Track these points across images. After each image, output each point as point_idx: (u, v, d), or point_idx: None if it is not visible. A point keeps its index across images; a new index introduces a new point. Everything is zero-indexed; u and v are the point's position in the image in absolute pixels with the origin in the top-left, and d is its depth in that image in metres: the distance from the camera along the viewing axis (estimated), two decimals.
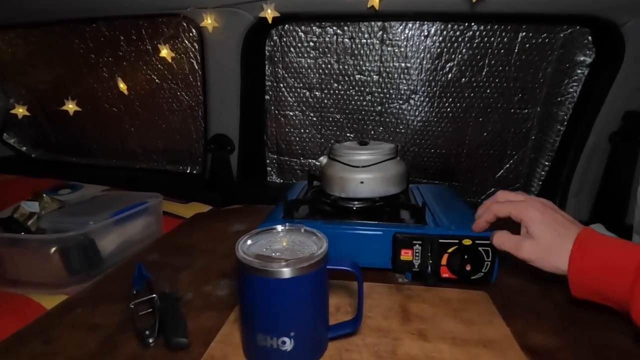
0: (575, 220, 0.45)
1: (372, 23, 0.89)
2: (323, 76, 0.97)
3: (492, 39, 0.86)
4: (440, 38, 0.88)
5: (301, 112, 1.03)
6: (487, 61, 0.88)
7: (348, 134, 1.03)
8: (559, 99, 0.89)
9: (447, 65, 0.90)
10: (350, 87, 0.97)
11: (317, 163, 1.06)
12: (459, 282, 0.54)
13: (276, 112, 1.04)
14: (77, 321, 0.48)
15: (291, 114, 1.03)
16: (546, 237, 0.43)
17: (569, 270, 0.41)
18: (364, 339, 0.43)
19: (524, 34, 0.84)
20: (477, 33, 0.86)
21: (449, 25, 0.86)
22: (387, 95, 0.96)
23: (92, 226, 0.62)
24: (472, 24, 0.85)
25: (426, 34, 0.88)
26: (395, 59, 0.92)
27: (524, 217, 0.45)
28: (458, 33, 0.86)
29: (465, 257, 0.52)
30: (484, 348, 0.42)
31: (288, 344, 0.37)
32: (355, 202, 0.64)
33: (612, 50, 0.77)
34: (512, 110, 0.92)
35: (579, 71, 0.86)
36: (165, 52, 0.87)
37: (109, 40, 1.02)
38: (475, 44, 0.87)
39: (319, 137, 1.05)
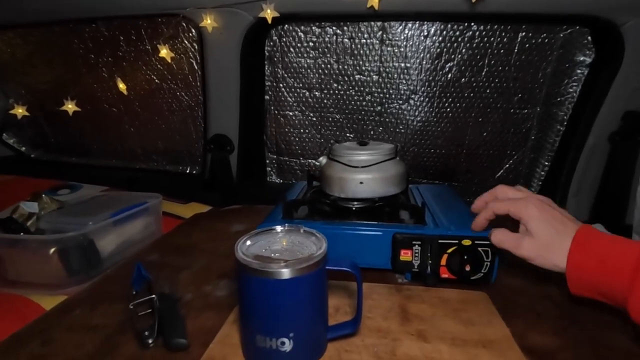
0: (574, 218, 0.45)
1: (372, 23, 0.89)
2: (323, 76, 0.97)
3: (492, 39, 0.86)
4: (440, 38, 0.88)
5: (301, 112, 1.03)
6: (486, 61, 0.88)
7: (348, 134, 1.03)
8: (558, 99, 0.89)
9: (447, 65, 0.90)
10: (350, 87, 0.97)
11: (316, 163, 1.06)
12: (459, 283, 0.54)
13: (276, 112, 1.04)
14: (76, 322, 0.48)
15: (291, 114, 1.03)
16: (545, 234, 0.43)
17: (567, 267, 0.41)
18: (364, 340, 0.43)
19: (523, 34, 0.84)
20: (477, 33, 0.86)
21: (449, 25, 0.86)
22: (387, 96, 0.96)
23: (91, 226, 0.62)
24: (472, 24, 0.85)
25: (426, 34, 0.88)
26: (395, 59, 0.92)
27: (523, 214, 0.45)
28: (458, 33, 0.86)
29: (465, 257, 0.52)
30: (484, 348, 0.42)
31: (287, 345, 0.37)
32: (355, 203, 0.64)
33: (611, 50, 0.77)
34: (512, 110, 0.92)
35: (578, 71, 0.86)
36: (164, 52, 0.87)
37: (109, 40, 1.02)
38: (475, 44, 0.87)
39: (318, 137, 1.05)
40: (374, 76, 0.95)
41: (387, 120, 0.99)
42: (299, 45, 0.95)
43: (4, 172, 1.12)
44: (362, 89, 0.97)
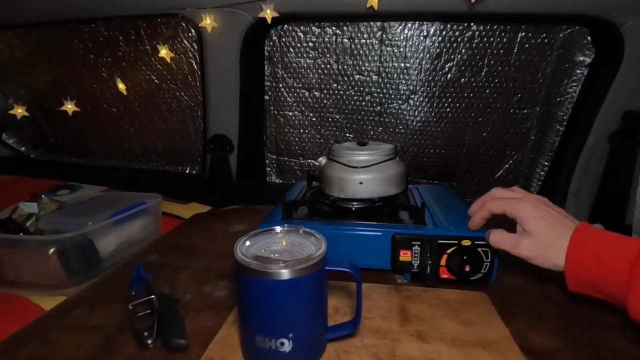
0: (571, 216, 0.45)
1: (372, 23, 0.89)
2: (322, 76, 0.97)
3: (492, 39, 0.86)
4: (440, 38, 0.88)
5: (300, 112, 1.03)
6: (486, 61, 0.88)
7: (347, 134, 1.03)
8: (558, 99, 0.89)
9: (447, 66, 0.90)
10: (350, 88, 0.97)
11: (316, 163, 1.06)
12: (458, 283, 0.54)
13: (275, 112, 1.04)
14: (76, 322, 0.48)
15: (290, 114, 1.03)
16: (543, 233, 0.43)
17: (565, 264, 0.41)
18: (363, 340, 0.43)
19: (523, 34, 0.84)
20: (477, 33, 0.86)
21: (448, 26, 0.86)
22: (387, 96, 0.96)
23: (90, 227, 0.62)
24: (472, 24, 0.85)
25: (425, 34, 0.88)
26: (394, 59, 0.92)
27: (519, 214, 0.45)
28: (457, 33, 0.86)
29: (465, 257, 0.52)
30: (483, 349, 0.42)
31: (287, 346, 0.37)
32: (355, 203, 0.64)
33: (611, 50, 0.77)
34: (512, 111, 0.92)
35: (578, 71, 0.86)
36: (164, 52, 0.87)
37: (108, 40, 1.02)
38: (474, 44, 0.87)
39: (318, 137, 1.05)
40: (374, 76, 0.95)
41: (386, 120, 0.99)
42: (298, 45, 0.95)
43: (4, 172, 1.12)
44: (361, 89, 0.97)
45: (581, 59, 0.84)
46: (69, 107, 0.93)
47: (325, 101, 1.00)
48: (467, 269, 0.52)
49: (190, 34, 0.97)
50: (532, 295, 0.53)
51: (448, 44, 0.88)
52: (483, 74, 0.89)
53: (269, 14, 0.77)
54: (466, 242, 0.52)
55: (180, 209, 0.90)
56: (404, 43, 0.90)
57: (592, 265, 0.40)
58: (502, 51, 0.86)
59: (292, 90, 1.00)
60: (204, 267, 0.62)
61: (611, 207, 0.86)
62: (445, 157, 1.00)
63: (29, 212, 0.71)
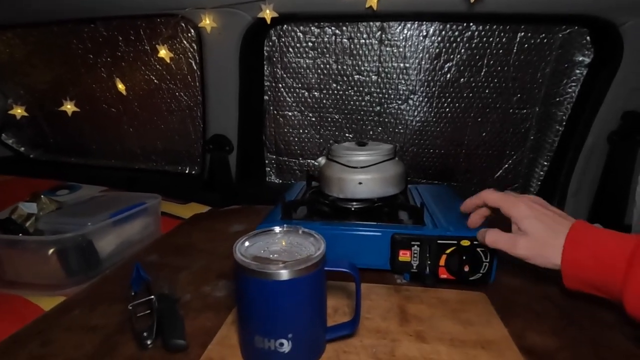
0: (567, 215, 0.45)
1: (371, 23, 0.89)
2: (322, 76, 0.97)
3: (491, 39, 0.86)
4: (439, 38, 0.88)
5: (300, 112, 1.03)
6: (485, 61, 0.88)
7: (347, 134, 1.03)
8: (557, 99, 0.89)
9: (446, 66, 0.90)
10: (349, 88, 0.97)
11: (315, 164, 1.06)
12: (457, 283, 0.54)
13: (275, 112, 1.04)
14: (75, 322, 0.48)
15: (290, 114, 1.03)
16: (539, 232, 0.43)
17: (562, 264, 0.41)
18: (362, 341, 0.43)
19: (522, 34, 0.84)
20: (476, 33, 0.86)
21: (448, 26, 0.86)
22: (386, 96, 0.96)
23: (90, 227, 0.62)
24: (471, 24, 0.85)
25: (425, 34, 0.88)
26: (394, 59, 0.92)
27: (513, 212, 0.45)
28: (457, 33, 0.86)
29: (464, 258, 0.52)
30: (482, 349, 0.42)
31: (286, 346, 0.37)
32: (354, 203, 0.64)
33: (610, 50, 0.77)
34: (511, 111, 0.92)
35: (577, 71, 0.86)
36: (163, 52, 0.87)
37: (107, 40, 1.02)
38: (474, 44, 0.87)
39: (317, 137, 1.05)
40: (373, 76, 0.95)
41: (386, 120, 0.99)
42: (298, 45, 0.95)
43: (3, 173, 1.12)
44: (361, 89, 0.97)
45: (580, 59, 0.84)
46: (69, 107, 0.93)
47: (324, 101, 1.00)
48: (466, 269, 0.52)
49: (189, 34, 0.97)
50: (530, 295, 0.53)
51: (447, 44, 0.88)
52: (482, 74, 0.89)
53: (268, 14, 0.77)
54: (465, 242, 0.52)
55: (180, 209, 0.90)
56: (403, 43, 0.90)
57: (588, 263, 0.40)
58: (501, 51, 0.86)
59: (292, 90, 1.00)
60: (204, 267, 0.62)
61: (610, 207, 0.86)
62: (444, 157, 1.00)
63: (29, 212, 0.71)
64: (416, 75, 0.92)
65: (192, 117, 1.09)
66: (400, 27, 0.88)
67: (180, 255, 0.67)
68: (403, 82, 0.94)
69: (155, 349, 0.42)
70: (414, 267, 0.54)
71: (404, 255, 0.54)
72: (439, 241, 0.53)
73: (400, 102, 0.96)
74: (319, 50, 0.94)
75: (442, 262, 0.53)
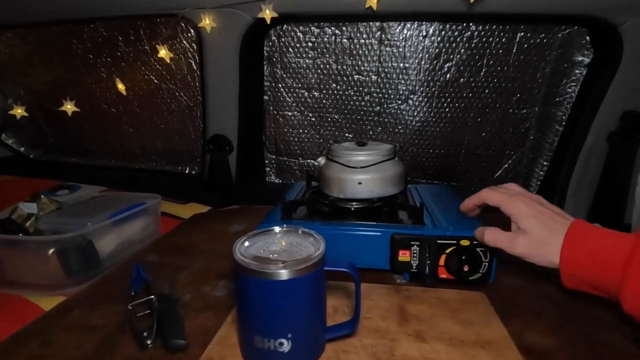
0: (566, 214, 0.45)
1: (371, 23, 0.89)
2: (321, 76, 0.97)
3: (491, 39, 0.86)
4: (439, 38, 0.88)
5: (300, 112, 1.03)
6: (485, 61, 0.88)
7: (347, 134, 1.03)
8: (557, 99, 0.90)
9: (446, 66, 0.90)
10: (349, 88, 0.97)
11: (315, 164, 1.06)
12: (457, 283, 0.54)
13: (275, 112, 1.04)
14: (75, 322, 0.48)
15: (290, 114, 1.03)
16: (537, 231, 0.43)
17: (560, 263, 0.41)
18: (362, 340, 0.43)
19: (522, 34, 0.84)
20: (476, 33, 0.86)
21: (447, 26, 0.86)
22: (386, 96, 0.97)
23: (90, 227, 0.62)
24: (471, 24, 0.85)
25: (424, 34, 0.88)
26: (393, 59, 0.92)
27: (512, 211, 0.45)
28: (456, 33, 0.86)
29: (463, 257, 0.52)
30: (482, 349, 0.42)
31: (286, 346, 0.37)
32: (354, 203, 0.64)
33: (610, 50, 0.77)
34: (511, 111, 0.92)
35: (577, 71, 0.86)
36: (163, 52, 0.87)
37: (107, 40, 1.02)
38: (473, 44, 0.87)
39: (317, 137, 1.05)
40: (373, 76, 0.95)
41: (386, 120, 0.99)
42: (297, 45, 0.95)
43: (3, 173, 1.12)
44: (360, 89, 0.97)
45: (580, 59, 0.84)
46: (69, 107, 0.93)
47: (324, 101, 1.00)
48: (466, 268, 0.53)
49: (189, 34, 0.97)
50: (529, 295, 0.54)
51: (447, 44, 0.88)
52: (482, 74, 0.89)
53: (268, 14, 0.77)
54: (465, 242, 0.52)
55: (180, 209, 0.90)
56: (403, 43, 0.90)
57: (586, 262, 0.40)
58: (501, 51, 0.86)
59: (292, 90, 1.01)
60: (204, 267, 0.62)
61: (610, 206, 0.86)
62: (444, 157, 1.00)
63: (29, 212, 0.71)
64: (416, 75, 0.92)
65: (192, 117, 1.09)
66: (400, 27, 0.88)
67: (180, 255, 0.67)
68: (403, 82, 0.94)
69: (155, 349, 0.43)
70: (414, 267, 0.55)
71: (403, 255, 0.54)
72: (438, 241, 0.53)
73: (400, 102, 0.96)
74: (319, 50, 0.94)
75: (441, 262, 0.53)
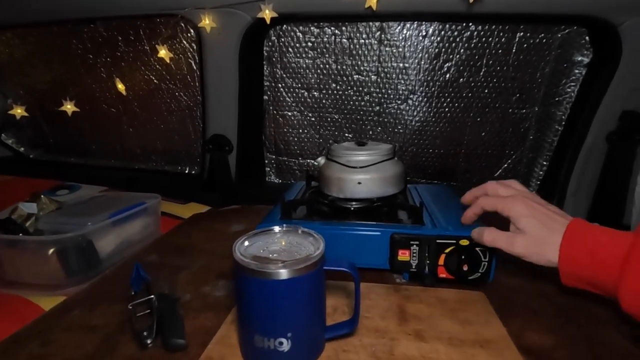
0: (564, 213, 0.45)
1: (370, 23, 0.89)
2: (321, 76, 0.97)
3: (490, 39, 0.86)
4: (438, 38, 0.88)
5: (299, 112, 1.03)
6: (485, 61, 0.88)
7: (346, 134, 1.03)
8: (556, 99, 0.90)
9: (445, 66, 0.90)
10: (349, 88, 0.97)
11: (315, 163, 1.06)
12: (456, 283, 0.54)
13: (274, 112, 1.04)
14: (75, 322, 0.48)
15: (289, 114, 1.03)
16: (535, 230, 0.43)
17: (559, 260, 0.42)
18: (361, 340, 0.43)
19: (521, 34, 0.84)
20: (475, 33, 0.86)
21: (447, 26, 0.86)
22: (385, 96, 0.97)
23: (90, 227, 0.62)
24: (470, 24, 0.85)
25: (424, 34, 0.88)
26: (393, 59, 0.92)
27: (511, 212, 0.45)
28: (456, 33, 0.87)
29: (463, 257, 0.52)
30: (481, 348, 0.42)
31: (285, 345, 0.37)
32: (353, 203, 0.64)
33: (609, 50, 0.77)
34: (510, 110, 0.92)
35: (576, 71, 0.86)
36: (163, 52, 0.87)
37: (107, 40, 1.02)
38: (473, 44, 0.87)
39: (317, 137, 1.05)
40: (373, 76, 0.95)
41: (385, 120, 0.99)
42: (297, 45, 0.95)
43: (3, 173, 1.12)
44: (360, 89, 0.97)
45: (579, 59, 0.85)
46: (69, 107, 0.93)
47: (324, 101, 1.00)
48: (465, 268, 0.53)
49: (189, 34, 0.97)
50: (529, 294, 0.54)
51: (447, 44, 0.88)
52: (482, 73, 0.89)
53: (267, 14, 0.77)
54: (464, 242, 0.52)
55: (180, 209, 0.90)
56: (402, 43, 0.90)
57: (585, 261, 0.40)
58: (500, 51, 0.86)
59: (291, 90, 1.01)
60: (203, 267, 0.62)
61: (609, 206, 0.86)
62: (444, 157, 1.00)
63: (29, 212, 0.71)
64: (415, 75, 0.92)
65: (191, 117, 1.09)
66: (399, 27, 0.89)
67: (180, 255, 0.67)
68: (402, 82, 0.94)
69: (155, 349, 0.43)
70: (413, 267, 0.55)
71: (403, 255, 0.54)
72: (438, 241, 0.53)
73: (399, 102, 0.96)
74: (319, 50, 0.95)
75: (441, 261, 0.54)
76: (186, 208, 0.92)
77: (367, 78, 0.95)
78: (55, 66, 1.12)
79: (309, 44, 0.94)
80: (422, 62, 0.91)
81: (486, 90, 0.91)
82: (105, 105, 1.14)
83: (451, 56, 0.89)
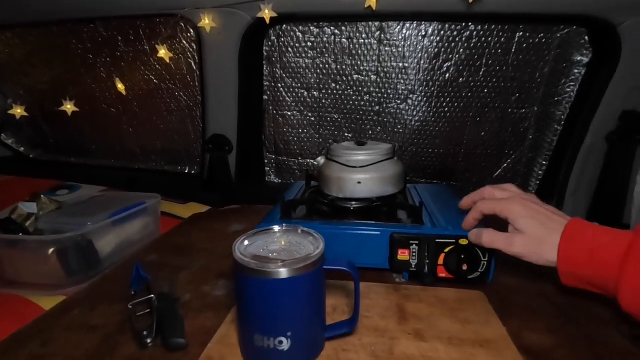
0: (562, 213, 0.45)
1: (370, 23, 0.89)
2: (321, 76, 0.97)
3: (490, 38, 0.86)
4: (438, 38, 0.88)
5: (299, 112, 1.03)
6: (484, 61, 0.88)
7: (346, 134, 1.04)
8: (556, 99, 0.90)
9: (445, 65, 0.90)
10: (348, 87, 0.97)
11: (314, 163, 1.06)
12: (456, 282, 0.54)
13: (274, 112, 1.04)
14: (75, 322, 0.48)
15: (289, 114, 1.04)
16: (534, 230, 0.43)
17: (558, 261, 0.42)
18: (361, 339, 0.43)
19: (521, 33, 0.84)
20: (475, 33, 0.86)
21: (447, 25, 0.86)
22: (385, 95, 0.97)
23: (90, 227, 0.62)
24: (470, 24, 0.85)
25: (424, 34, 0.88)
26: (393, 59, 0.92)
27: (509, 214, 0.45)
28: (455, 33, 0.87)
29: (462, 256, 0.52)
30: (481, 348, 0.42)
31: (285, 344, 0.37)
32: (353, 203, 0.64)
33: (609, 50, 0.77)
34: (510, 110, 0.93)
35: (576, 71, 0.86)
36: (163, 52, 0.87)
37: (107, 40, 1.02)
38: (472, 44, 0.87)
39: (317, 137, 1.05)
40: (372, 76, 0.95)
41: (385, 120, 0.99)
42: (297, 45, 0.95)
43: (3, 173, 1.12)
44: (360, 88, 0.97)
45: (579, 58, 0.85)
46: (68, 107, 0.93)
47: (324, 101, 1.00)
48: (465, 268, 0.53)
49: (189, 34, 0.97)
50: (528, 294, 0.54)
51: (446, 44, 0.88)
52: (481, 73, 0.89)
53: (267, 14, 0.77)
54: (464, 242, 0.52)
55: (180, 209, 0.90)
56: (402, 43, 0.90)
57: (584, 260, 0.40)
58: (500, 51, 0.86)
59: (291, 90, 1.01)
60: (203, 267, 0.62)
61: (609, 206, 0.87)
62: (443, 157, 1.00)
63: (29, 212, 0.71)
64: (415, 75, 0.92)
65: (191, 117, 1.09)
66: (399, 27, 0.89)
67: (180, 255, 0.67)
68: (402, 81, 0.94)
69: (155, 348, 0.43)
70: (413, 266, 0.55)
71: (402, 255, 0.54)
72: (437, 240, 0.53)
73: (399, 101, 0.96)
74: (318, 50, 0.95)
75: (440, 261, 0.54)
76: (186, 208, 0.92)
77: (366, 78, 0.96)
78: (55, 66, 1.12)
79: (309, 43, 0.94)
80: (422, 62, 0.91)
81: (486, 90, 0.91)
82: (105, 105, 1.14)
83: (451, 56, 0.89)
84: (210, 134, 0.99)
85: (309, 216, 0.66)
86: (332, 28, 0.92)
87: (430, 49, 0.89)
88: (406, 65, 0.92)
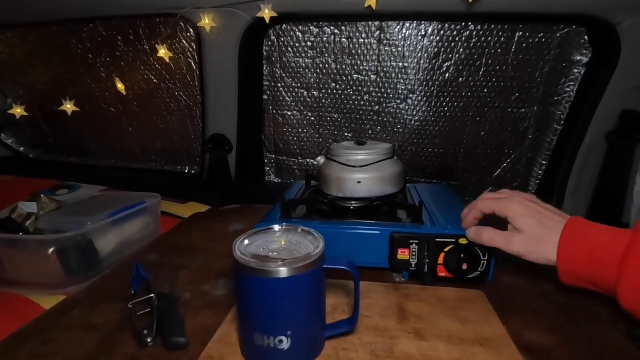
0: (562, 212, 0.45)
1: (370, 23, 0.89)
2: (321, 76, 0.97)
3: (489, 38, 0.86)
4: (438, 38, 0.88)
5: (299, 111, 1.03)
6: (484, 61, 0.88)
7: (346, 134, 1.04)
8: (556, 99, 0.90)
9: (445, 65, 0.90)
10: (348, 87, 0.97)
11: (314, 163, 1.07)
12: (456, 281, 0.54)
13: (274, 112, 1.04)
14: (75, 321, 0.48)
15: (289, 113, 1.04)
16: (533, 229, 0.43)
17: (557, 260, 0.42)
18: (361, 338, 0.44)
19: (520, 33, 0.84)
20: (474, 33, 0.86)
21: (446, 25, 0.86)
22: (385, 95, 0.97)
23: (90, 226, 0.62)
24: (469, 23, 0.85)
25: (423, 33, 0.88)
26: (392, 58, 0.92)
27: (508, 213, 0.45)
28: (455, 33, 0.87)
29: (462, 256, 0.53)
30: (480, 347, 0.42)
31: (285, 343, 0.37)
32: (353, 202, 0.64)
33: (608, 49, 0.77)
34: (510, 110, 0.93)
35: (575, 70, 0.86)
36: (163, 52, 0.87)
37: (107, 40, 1.02)
38: (472, 44, 0.87)
39: (317, 136, 1.05)
40: (372, 76, 0.95)
41: (385, 119, 1.00)
42: (297, 45, 0.95)
43: (3, 173, 1.12)
44: (360, 88, 0.97)
45: (578, 58, 0.85)
46: (68, 107, 0.93)
47: (323, 101, 1.00)
48: (465, 267, 0.53)
49: (189, 34, 0.97)
50: (528, 293, 0.54)
51: (446, 44, 0.88)
52: (481, 73, 0.89)
53: (267, 13, 0.77)
54: (463, 241, 0.52)
55: (180, 209, 0.90)
56: (402, 43, 0.90)
57: (583, 258, 0.40)
58: (499, 51, 0.87)
59: (291, 89, 1.01)
60: (203, 266, 0.62)
61: (609, 206, 0.87)
62: (443, 157, 1.01)
63: (29, 211, 0.71)
64: (415, 75, 0.93)
65: (191, 117, 1.09)
66: (399, 27, 0.89)
67: (180, 255, 0.67)
68: (402, 81, 0.94)
69: (156, 347, 0.43)
70: (413, 266, 0.55)
71: (402, 254, 0.55)
72: (437, 240, 0.53)
73: (399, 101, 0.96)
74: (318, 49, 0.95)
75: (440, 260, 0.54)
76: (186, 208, 0.92)
77: (366, 77, 0.96)
78: (55, 66, 1.12)
79: (309, 43, 0.94)
80: (422, 62, 0.91)
81: (485, 90, 0.91)
82: (105, 105, 1.14)
83: (450, 56, 0.89)
84: (210, 133, 0.99)
85: (309, 216, 0.66)
86: (331, 28, 0.92)
87: (430, 49, 0.89)
88: (406, 65, 0.92)
